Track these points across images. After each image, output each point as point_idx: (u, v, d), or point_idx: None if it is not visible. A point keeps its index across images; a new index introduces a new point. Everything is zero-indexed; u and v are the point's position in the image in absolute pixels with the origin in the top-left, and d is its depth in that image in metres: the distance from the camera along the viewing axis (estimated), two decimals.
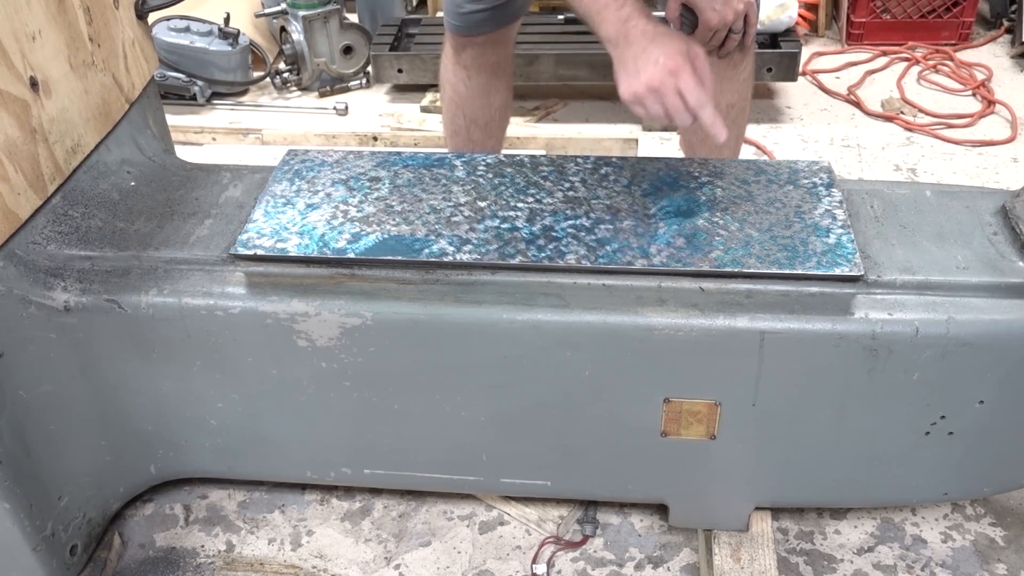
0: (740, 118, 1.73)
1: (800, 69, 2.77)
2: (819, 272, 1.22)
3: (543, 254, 1.27)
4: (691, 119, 1.22)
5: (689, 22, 1.55)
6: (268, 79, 2.97)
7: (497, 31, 1.71)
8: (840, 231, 1.28)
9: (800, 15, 3.04)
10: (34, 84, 1.22)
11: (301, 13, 2.86)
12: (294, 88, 3.01)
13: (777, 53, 2.65)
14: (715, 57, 1.62)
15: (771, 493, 1.41)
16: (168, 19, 2.84)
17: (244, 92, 2.98)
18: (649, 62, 1.21)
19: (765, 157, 2.57)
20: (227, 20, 2.89)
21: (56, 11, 1.27)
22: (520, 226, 1.32)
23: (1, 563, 1.30)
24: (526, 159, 1.47)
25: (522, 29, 1.85)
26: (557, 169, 1.44)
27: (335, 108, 2.86)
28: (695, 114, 1.22)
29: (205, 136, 2.75)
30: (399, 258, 1.27)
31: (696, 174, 1.42)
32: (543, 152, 2.56)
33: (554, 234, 1.30)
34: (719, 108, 1.67)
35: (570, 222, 1.32)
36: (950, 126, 2.70)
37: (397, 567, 1.48)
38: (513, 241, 1.29)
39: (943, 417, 1.27)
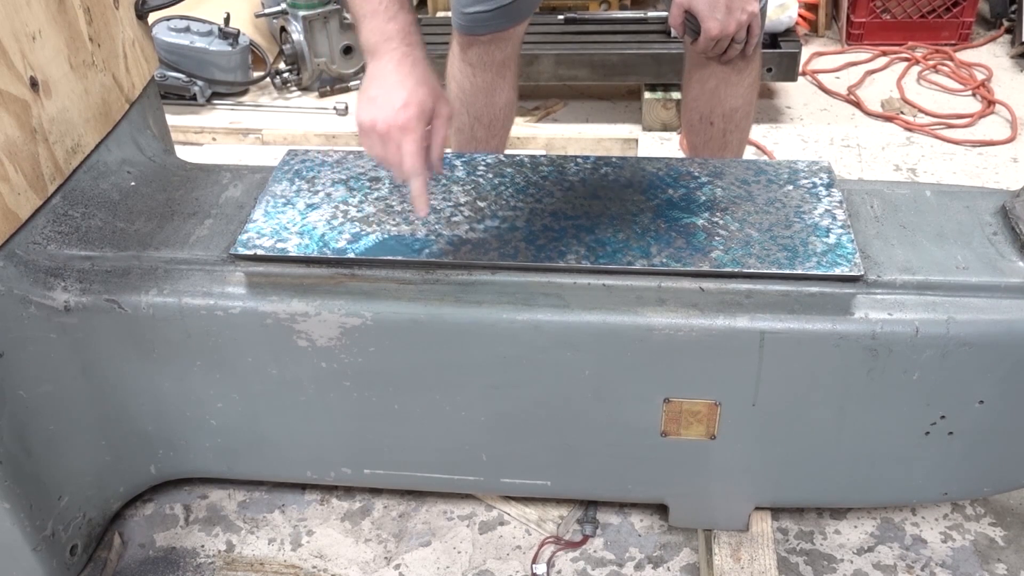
0: (744, 123, 1.73)
1: (800, 69, 2.76)
2: (819, 272, 1.22)
3: (543, 254, 1.27)
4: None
5: (692, 28, 1.54)
6: (268, 79, 2.97)
7: (502, 31, 1.71)
8: (840, 231, 1.28)
9: (800, 15, 3.03)
10: (34, 84, 1.22)
11: (301, 13, 2.86)
12: (294, 88, 3.01)
13: (777, 53, 2.64)
14: (719, 63, 1.62)
15: (771, 493, 1.41)
16: (168, 19, 2.84)
17: (244, 92, 2.98)
18: (391, 103, 1.13)
19: (765, 157, 2.57)
20: (227, 20, 2.88)
21: (56, 11, 1.27)
22: (520, 226, 1.32)
23: (1, 563, 1.30)
24: (526, 159, 1.47)
25: None
26: (557, 169, 1.44)
27: (335, 108, 2.85)
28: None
29: (205, 136, 2.75)
30: (399, 258, 1.27)
31: (696, 174, 1.42)
32: (543, 152, 2.56)
33: (554, 234, 1.30)
34: (723, 112, 1.69)
35: (570, 222, 1.32)
36: (950, 126, 2.70)
37: (397, 567, 1.48)
38: (513, 241, 1.29)
39: (943, 417, 1.27)
